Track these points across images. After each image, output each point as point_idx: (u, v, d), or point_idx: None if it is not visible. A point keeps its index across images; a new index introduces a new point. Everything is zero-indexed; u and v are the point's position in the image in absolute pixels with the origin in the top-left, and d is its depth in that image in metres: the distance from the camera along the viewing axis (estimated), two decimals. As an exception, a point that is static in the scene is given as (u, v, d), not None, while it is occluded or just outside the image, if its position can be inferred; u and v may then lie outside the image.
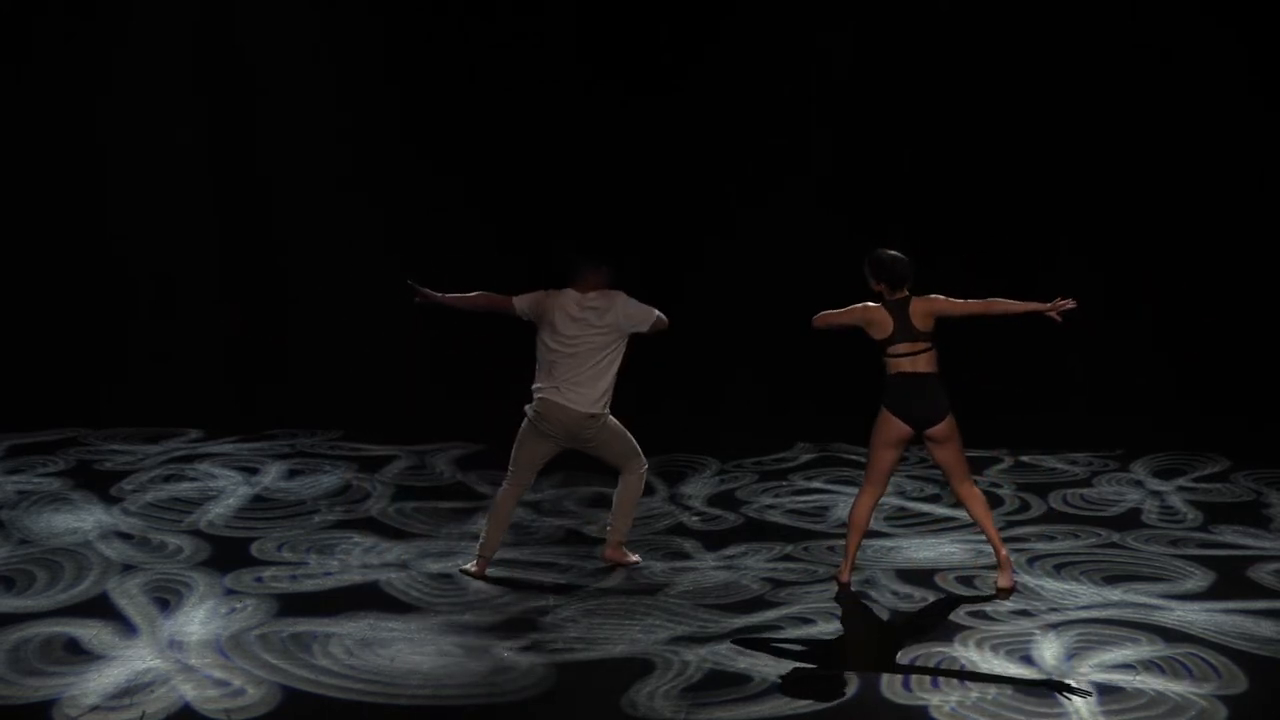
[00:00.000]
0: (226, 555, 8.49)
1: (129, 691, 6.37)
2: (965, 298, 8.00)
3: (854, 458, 11.29)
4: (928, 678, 6.66)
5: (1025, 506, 9.94)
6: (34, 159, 12.34)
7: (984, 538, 8.41)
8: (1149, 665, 6.84)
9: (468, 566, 8.29)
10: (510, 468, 8.31)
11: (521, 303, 8.26)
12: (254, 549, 8.64)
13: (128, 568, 8.19)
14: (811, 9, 12.11)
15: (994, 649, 7.03)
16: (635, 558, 8.52)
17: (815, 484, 10.55)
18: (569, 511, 9.67)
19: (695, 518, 9.58)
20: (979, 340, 11.99)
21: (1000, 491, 10.31)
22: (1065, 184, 12.07)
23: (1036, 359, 12.09)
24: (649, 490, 10.22)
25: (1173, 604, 7.78)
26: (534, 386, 8.20)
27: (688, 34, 12.25)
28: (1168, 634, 7.26)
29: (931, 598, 7.86)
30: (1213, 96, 11.79)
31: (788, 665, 6.81)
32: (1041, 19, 11.88)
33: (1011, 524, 9.46)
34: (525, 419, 8.25)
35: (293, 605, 7.60)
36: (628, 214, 12.23)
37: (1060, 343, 12.04)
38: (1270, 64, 11.73)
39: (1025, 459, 11.26)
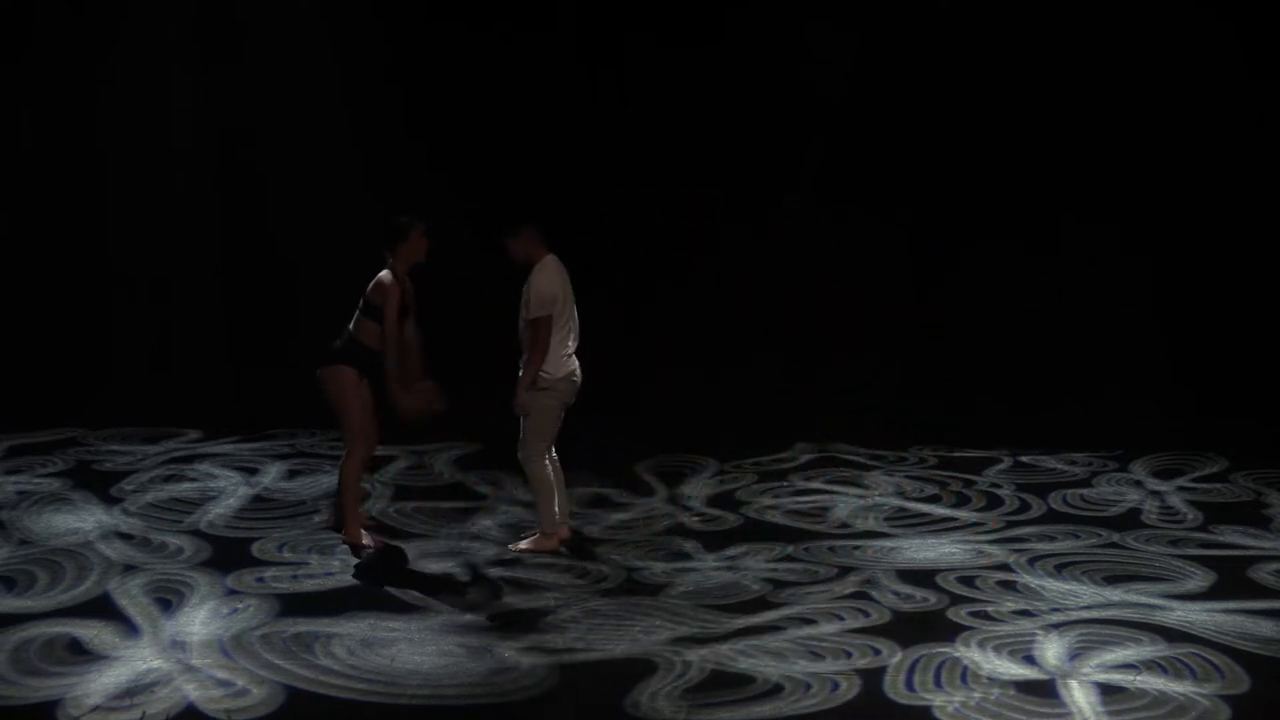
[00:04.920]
0: (227, 555, 8.48)
1: (131, 692, 6.37)
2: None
3: (854, 458, 11.30)
4: (930, 678, 6.67)
5: (1025, 506, 9.94)
6: (34, 158, 12.31)
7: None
8: (1151, 665, 6.84)
9: (546, 544, 8.71)
10: (541, 443, 8.58)
11: (553, 304, 8.45)
12: (255, 549, 8.64)
13: (129, 568, 8.18)
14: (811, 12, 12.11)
15: (996, 649, 7.03)
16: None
17: (815, 484, 10.55)
18: (570, 511, 9.64)
19: (695, 518, 9.58)
20: (976, 338, 12.07)
21: (1000, 491, 10.34)
22: (1066, 181, 12.05)
23: (1035, 358, 12.08)
24: (649, 490, 10.24)
25: (1174, 604, 7.78)
26: (558, 356, 8.47)
27: (686, 32, 12.24)
28: (1169, 634, 7.27)
29: (932, 598, 7.86)
30: (1221, 92, 11.76)
31: (789, 666, 6.81)
32: (1042, 14, 11.87)
33: (1012, 524, 9.47)
34: (549, 391, 8.48)
35: (294, 605, 7.60)
36: (627, 214, 12.22)
37: (1060, 341, 12.07)
38: (1274, 54, 11.71)
39: (1025, 459, 11.27)
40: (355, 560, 8.44)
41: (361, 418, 8.62)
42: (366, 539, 8.70)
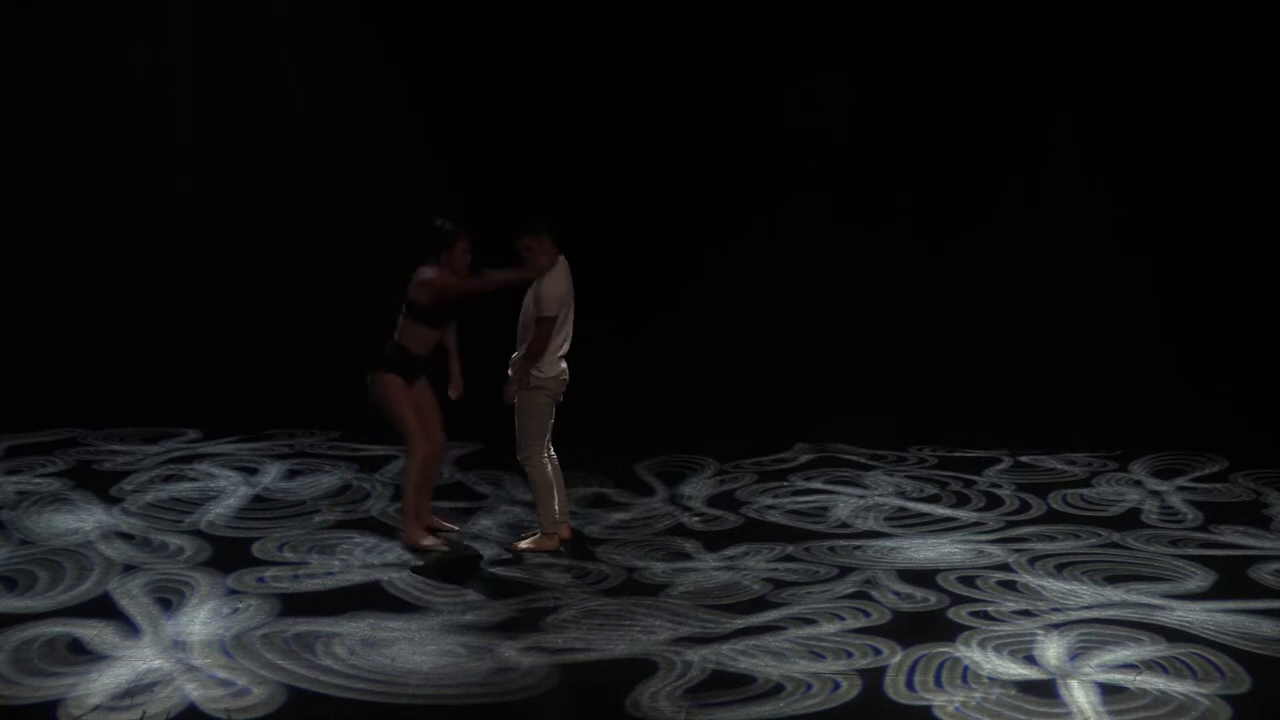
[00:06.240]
0: (228, 555, 8.48)
1: (132, 692, 6.36)
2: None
3: (854, 458, 11.30)
4: (931, 678, 6.67)
5: (1025, 506, 9.94)
6: (33, 157, 12.31)
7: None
8: (1152, 665, 6.84)
9: (546, 544, 8.69)
10: (538, 442, 8.59)
11: (560, 305, 8.50)
12: (255, 549, 8.64)
13: (129, 568, 8.18)
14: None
15: (997, 649, 7.03)
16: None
17: (815, 484, 10.55)
18: (569, 511, 9.63)
19: (695, 518, 9.57)
20: (972, 334, 12.08)
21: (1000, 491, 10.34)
22: (1064, 180, 12.06)
23: (1036, 356, 12.08)
24: (649, 491, 10.24)
25: (1174, 604, 7.78)
26: (551, 357, 8.49)
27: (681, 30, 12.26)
28: (1170, 634, 7.27)
29: (933, 598, 7.86)
30: (1222, 91, 11.75)
31: (789, 666, 6.81)
32: (1043, 10, 11.88)
33: (1012, 524, 9.47)
34: (541, 390, 8.50)
35: (295, 605, 7.59)
36: (631, 213, 12.22)
37: (1060, 341, 12.08)
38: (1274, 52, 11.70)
39: (1025, 459, 11.26)
40: (418, 561, 8.48)
41: (414, 418, 8.63)
42: (429, 540, 8.71)
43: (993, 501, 10.07)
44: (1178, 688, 6.56)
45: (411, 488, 8.71)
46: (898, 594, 7.92)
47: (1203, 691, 6.52)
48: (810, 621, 7.45)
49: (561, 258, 8.61)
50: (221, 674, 6.61)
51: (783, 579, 8.20)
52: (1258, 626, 7.42)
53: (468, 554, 8.63)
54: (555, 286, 8.50)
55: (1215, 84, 11.69)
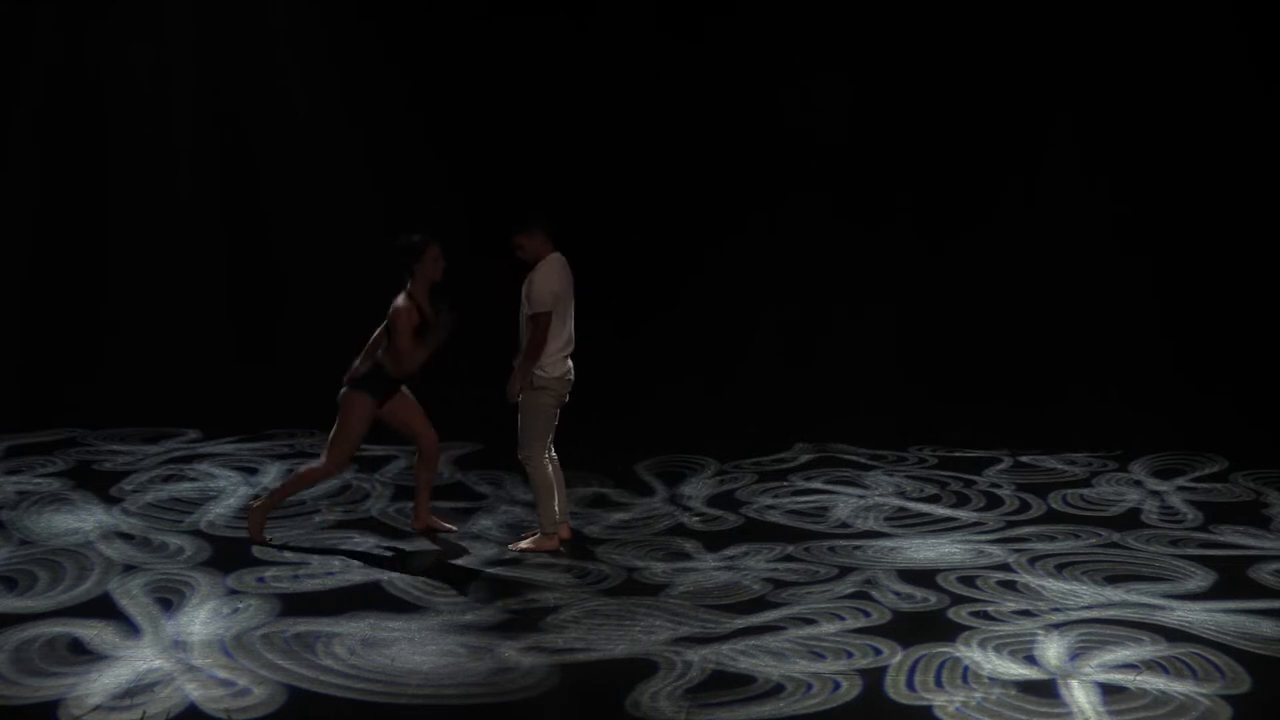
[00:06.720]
0: (228, 555, 8.48)
1: (132, 692, 6.36)
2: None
3: (854, 458, 11.30)
4: (931, 677, 6.67)
5: (1025, 506, 9.94)
6: (33, 157, 12.31)
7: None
8: (1152, 665, 6.84)
9: (546, 544, 8.68)
10: (540, 443, 8.56)
11: (554, 301, 8.46)
12: (255, 549, 8.64)
13: (129, 568, 8.18)
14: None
15: (997, 649, 7.03)
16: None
17: (815, 484, 10.55)
18: (569, 511, 9.63)
19: (695, 518, 9.57)
20: (972, 334, 12.08)
21: (1000, 491, 10.33)
22: (1062, 179, 12.07)
23: (1036, 356, 12.09)
24: (649, 491, 10.24)
25: (1174, 604, 7.78)
26: (554, 356, 8.46)
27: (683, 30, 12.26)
28: (1170, 634, 7.27)
29: (933, 598, 7.85)
30: (1223, 91, 11.75)
31: (790, 666, 6.81)
32: (1043, 10, 11.88)
33: (1012, 524, 9.47)
34: (545, 390, 8.47)
35: (295, 605, 7.59)
36: (631, 213, 12.22)
37: (1060, 342, 12.08)
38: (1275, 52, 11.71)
39: (1025, 459, 11.26)
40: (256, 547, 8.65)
41: (355, 444, 8.77)
42: (268, 536, 8.77)
43: (993, 501, 10.07)
44: (1178, 688, 6.56)
45: (294, 490, 8.94)
46: (898, 594, 7.92)
47: (1203, 691, 6.52)
48: (810, 621, 7.45)
49: (558, 255, 8.58)
50: (221, 674, 6.61)
51: (783, 579, 8.19)
52: (1258, 626, 7.42)
53: (467, 554, 8.63)
54: (546, 282, 8.45)
55: (1215, 84, 11.71)
